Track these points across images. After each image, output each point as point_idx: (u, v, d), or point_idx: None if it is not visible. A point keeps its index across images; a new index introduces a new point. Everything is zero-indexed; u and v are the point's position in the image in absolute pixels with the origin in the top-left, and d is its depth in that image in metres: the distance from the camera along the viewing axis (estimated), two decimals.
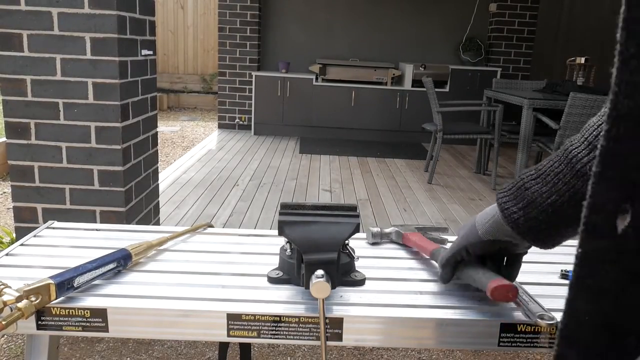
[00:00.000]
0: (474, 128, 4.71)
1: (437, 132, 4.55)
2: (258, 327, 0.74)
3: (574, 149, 0.64)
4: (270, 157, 5.33)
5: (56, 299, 0.72)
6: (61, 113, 2.08)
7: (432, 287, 0.85)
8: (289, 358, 2.06)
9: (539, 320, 0.73)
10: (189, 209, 3.60)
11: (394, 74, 6.33)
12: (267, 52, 6.77)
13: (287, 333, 0.75)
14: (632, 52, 0.32)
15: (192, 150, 5.55)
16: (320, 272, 0.74)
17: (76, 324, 0.74)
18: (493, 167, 4.55)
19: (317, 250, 0.78)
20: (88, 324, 0.74)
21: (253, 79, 6.30)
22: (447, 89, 6.16)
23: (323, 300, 0.72)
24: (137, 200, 2.33)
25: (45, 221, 2.13)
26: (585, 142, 0.63)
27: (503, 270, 0.78)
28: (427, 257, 0.95)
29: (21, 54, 2.02)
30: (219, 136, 6.37)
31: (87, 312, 0.73)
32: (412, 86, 6.19)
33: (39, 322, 0.73)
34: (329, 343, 0.74)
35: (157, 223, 2.68)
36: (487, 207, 0.75)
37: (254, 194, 4.01)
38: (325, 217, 0.82)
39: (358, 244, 1.02)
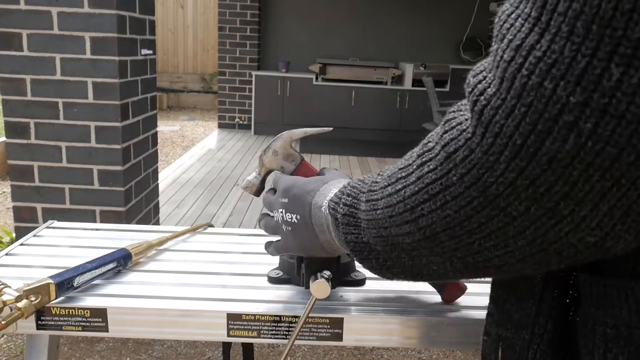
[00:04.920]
0: None
1: None
2: (258, 327, 0.74)
3: None
4: None
5: (56, 298, 0.72)
6: (61, 113, 2.08)
7: (432, 287, 0.85)
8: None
9: None
10: (189, 208, 3.60)
11: (394, 74, 6.32)
12: (267, 52, 6.77)
13: (287, 333, 0.74)
14: None
15: (192, 150, 5.55)
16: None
17: (76, 323, 0.74)
18: None
19: None
20: (88, 324, 0.74)
21: (253, 79, 6.29)
22: (447, 89, 6.16)
23: (315, 299, 0.72)
24: (137, 200, 2.33)
25: (45, 221, 2.13)
26: None
27: None
28: None
29: (21, 53, 2.02)
30: (218, 136, 6.37)
31: (87, 312, 0.73)
32: (412, 86, 6.19)
33: (39, 322, 0.73)
34: (329, 343, 0.74)
35: (157, 223, 2.68)
36: None
37: None
38: None
39: None
